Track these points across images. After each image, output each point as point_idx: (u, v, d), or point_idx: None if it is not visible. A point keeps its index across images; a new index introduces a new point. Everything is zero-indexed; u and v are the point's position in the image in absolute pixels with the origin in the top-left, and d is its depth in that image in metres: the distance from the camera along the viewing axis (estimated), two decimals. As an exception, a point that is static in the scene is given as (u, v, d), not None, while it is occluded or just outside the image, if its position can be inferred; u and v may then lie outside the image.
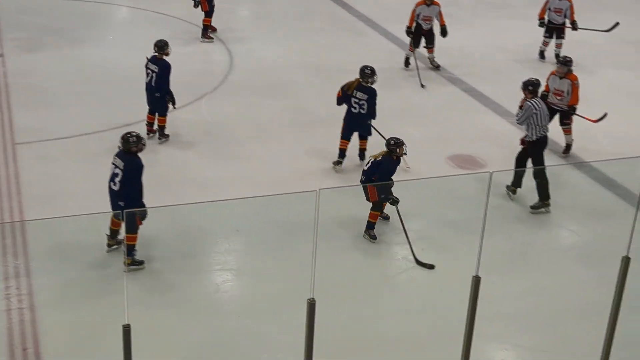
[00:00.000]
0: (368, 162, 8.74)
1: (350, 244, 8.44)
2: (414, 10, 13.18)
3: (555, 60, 12.45)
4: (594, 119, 10.45)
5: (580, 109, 10.46)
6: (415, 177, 9.61)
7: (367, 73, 9.83)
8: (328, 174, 9.90)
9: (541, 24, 13.96)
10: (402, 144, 8.55)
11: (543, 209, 9.20)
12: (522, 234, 8.98)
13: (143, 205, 7.74)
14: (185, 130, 10.87)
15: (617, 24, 13.85)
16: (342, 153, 10.12)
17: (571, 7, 13.86)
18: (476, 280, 5.33)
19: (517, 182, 9.49)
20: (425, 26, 13.18)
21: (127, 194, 7.74)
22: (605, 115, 10.49)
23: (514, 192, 9.42)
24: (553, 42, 13.99)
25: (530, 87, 9.34)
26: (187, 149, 10.44)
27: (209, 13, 14.18)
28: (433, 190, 9.44)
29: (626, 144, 10.85)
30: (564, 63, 10.54)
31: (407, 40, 13.36)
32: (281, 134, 11.05)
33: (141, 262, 7.94)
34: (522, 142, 9.43)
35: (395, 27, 14.90)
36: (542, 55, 14.27)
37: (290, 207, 8.55)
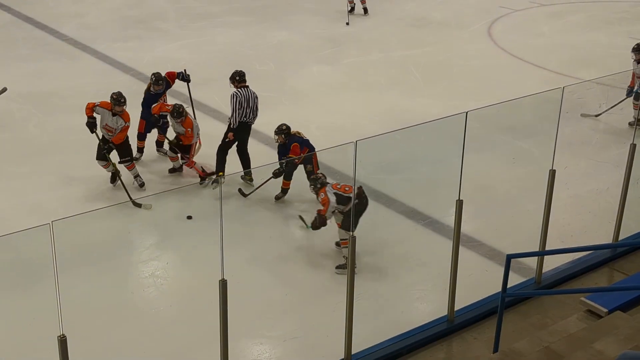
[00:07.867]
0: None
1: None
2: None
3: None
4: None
5: (292, 104, 11.25)
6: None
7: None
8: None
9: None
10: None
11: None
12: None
13: None
14: None
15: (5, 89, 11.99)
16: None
17: None
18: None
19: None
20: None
21: None
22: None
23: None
24: None
25: (237, 77, 10.28)
26: None
27: None
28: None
29: (335, 133, 11.87)
30: None
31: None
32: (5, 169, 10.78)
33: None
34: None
35: (104, 47, 14.99)
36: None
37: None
